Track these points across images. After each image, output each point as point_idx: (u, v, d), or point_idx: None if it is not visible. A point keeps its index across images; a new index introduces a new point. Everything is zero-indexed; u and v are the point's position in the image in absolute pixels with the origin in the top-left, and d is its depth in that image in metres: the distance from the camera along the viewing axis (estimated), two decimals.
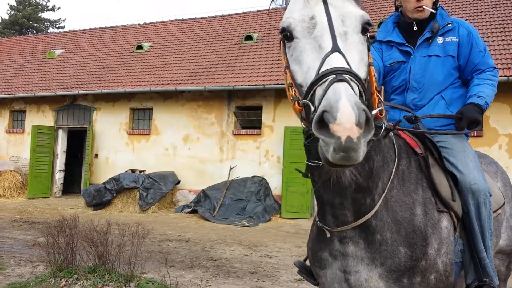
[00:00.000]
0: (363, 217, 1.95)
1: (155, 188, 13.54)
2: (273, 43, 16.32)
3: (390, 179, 2.04)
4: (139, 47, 18.87)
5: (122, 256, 5.63)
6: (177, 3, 69.42)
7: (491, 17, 14.04)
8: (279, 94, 13.69)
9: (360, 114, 1.35)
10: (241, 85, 13.70)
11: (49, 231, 5.94)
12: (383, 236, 1.97)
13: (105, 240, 5.66)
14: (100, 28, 23.46)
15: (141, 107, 15.91)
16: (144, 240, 5.90)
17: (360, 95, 1.50)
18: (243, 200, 12.79)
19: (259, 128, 14.02)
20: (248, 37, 17.01)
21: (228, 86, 13.86)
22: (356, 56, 1.63)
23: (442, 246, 2.08)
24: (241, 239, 9.68)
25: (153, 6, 70.73)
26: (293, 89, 1.67)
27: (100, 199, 13.49)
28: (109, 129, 16.17)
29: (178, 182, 14.44)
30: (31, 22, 40.50)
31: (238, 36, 17.66)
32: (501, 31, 13.05)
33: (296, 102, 1.60)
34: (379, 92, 1.81)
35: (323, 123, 1.37)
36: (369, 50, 1.81)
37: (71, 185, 17.79)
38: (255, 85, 13.51)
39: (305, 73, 1.60)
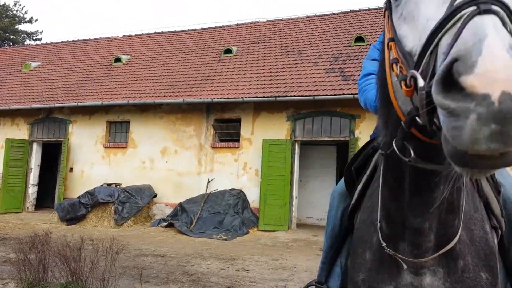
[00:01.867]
0: (450, 242, 1.54)
1: (131, 202, 13.30)
2: (252, 56, 16.38)
3: (464, 190, 1.58)
4: (118, 59, 18.73)
5: (95, 272, 5.48)
6: (156, 16, 69.49)
7: None
8: (258, 107, 13.69)
9: None
10: (220, 98, 13.65)
11: (21, 247, 5.77)
12: (465, 261, 1.60)
13: (78, 256, 5.52)
14: (78, 40, 23.28)
15: (118, 120, 15.71)
16: (119, 255, 5.76)
17: None
18: (220, 213, 12.65)
19: (238, 141, 13.96)
20: (228, 51, 17.04)
21: (207, 99, 13.80)
22: None
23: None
24: (218, 253, 9.53)
25: (133, 19, 70.69)
26: (398, 65, 1.12)
27: (74, 214, 13.17)
28: (85, 142, 15.90)
29: (155, 196, 14.23)
30: (7, 34, 39.94)
31: (218, 49, 17.68)
32: None
33: (402, 81, 1.06)
34: None
35: (452, 83, 0.81)
36: None
37: (45, 199, 17.39)
38: (234, 98, 13.48)
39: (421, 30, 1.04)
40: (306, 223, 14.43)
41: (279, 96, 12.87)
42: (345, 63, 13.99)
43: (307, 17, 19.13)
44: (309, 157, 15.02)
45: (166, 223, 12.91)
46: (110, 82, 16.88)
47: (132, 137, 15.31)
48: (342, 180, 2.27)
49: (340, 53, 14.94)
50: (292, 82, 13.60)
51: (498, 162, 0.81)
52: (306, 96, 12.52)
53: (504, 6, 0.89)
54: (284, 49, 16.41)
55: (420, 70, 0.98)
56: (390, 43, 1.20)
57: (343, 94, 11.98)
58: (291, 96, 12.74)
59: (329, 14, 18.77)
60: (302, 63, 14.91)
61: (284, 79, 13.99)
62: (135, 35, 21.96)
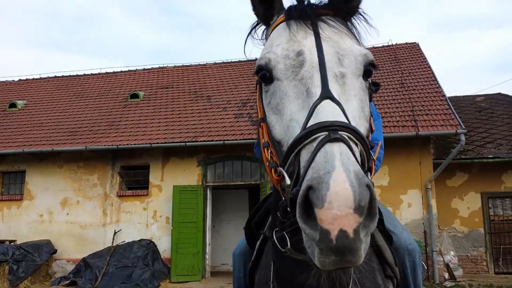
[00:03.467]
0: None
1: (27, 260, 12.09)
2: (160, 101, 16.15)
3: None
4: (12, 105, 17.42)
5: None
6: (57, 59, 66.63)
7: None
8: (167, 153, 13.39)
9: (361, 193, 0.93)
10: (127, 144, 13.15)
11: None
12: None
13: None
14: None
15: (12, 170, 14.43)
16: None
17: (362, 162, 1.10)
18: (129, 267, 11.89)
19: (147, 188, 13.44)
20: (134, 95, 16.64)
21: (112, 145, 13.21)
22: (356, 106, 1.22)
23: None
24: None
25: (32, 63, 67.09)
26: (269, 150, 1.22)
27: None
28: None
29: (55, 252, 13.09)
30: None
31: (124, 94, 17.21)
32: None
33: (273, 169, 1.18)
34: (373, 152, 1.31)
35: (309, 207, 0.95)
36: (371, 100, 1.40)
37: None
38: (142, 144, 13.06)
39: (285, 127, 1.18)
40: (220, 270, 14.06)
41: (188, 142, 12.72)
42: (253, 108, 14.30)
43: (215, 63, 19.46)
44: (221, 202, 14.86)
45: (68, 281, 11.92)
46: (4, 130, 15.58)
47: (28, 188, 14.09)
48: (242, 239, 2.25)
49: (248, 98, 15.27)
50: (202, 127, 13.56)
51: (341, 270, 1.06)
52: (216, 141, 12.52)
53: (351, 131, 1.06)
54: (193, 94, 16.42)
55: (286, 167, 1.12)
56: (262, 124, 1.31)
57: (253, 139, 12.14)
58: (201, 141, 12.66)
59: (236, 62, 19.26)
60: (211, 108, 14.99)
61: (194, 124, 13.91)
62: (33, 79, 20.65)
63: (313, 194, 0.93)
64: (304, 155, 1.04)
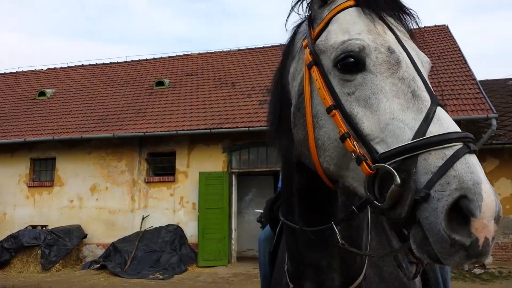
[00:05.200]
0: (355, 281, 1.58)
1: (58, 245, 12.45)
2: (185, 89, 16.23)
3: (369, 229, 1.69)
4: (42, 93, 17.81)
5: None
6: (84, 48, 67.77)
7: None
8: (193, 140, 13.48)
9: (499, 204, 1.00)
10: (153, 132, 13.31)
11: None
12: None
13: None
14: None
15: (43, 157, 14.80)
16: None
17: None
18: (157, 251, 12.11)
19: (173, 174, 13.60)
20: (160, 83, 16.78)
21: (139, 132, 13.39)
22: None
23: None
24: None
25: (59, 52, 68.39)
26: (352, 142, 1.18)
27: None
28: (6, 182, 14.78)
29: (85, 236, 13.42)
30: None
31: (149, 81, 17.37)
32: None
33: (364, 162, 1.15)
34: None
35: (457, 215, 0.99)
36: None
37: None
38: (168, 131, 13.19)
39: (383, 124, 1.15)
40: (246, 255, 14.18)
41: (214, 128, 12.77)
42: None
43: (239, 50, 19.41)
44: (246, 188, 14.93)
45: (98, 265, 12.21)
46: (34, 117, 15.96)
47: (59, 175, 14.45)
48: (267, 227, 2.30)
49: None
50: (227, 114, 13.58)
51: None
52: (241, 127, 12.53)
53: (473, 143, 1.08)
54: (217, 81, 16.45)
55: (389, 164, 1.09)
56: (334, 111, 1.24)
57: None
58: (226, 128, 12.69)
59: (260, 48, 19.16)
60: (236, 95, 14.99)
61: (219, 111, 13.94)
62: (61, 67, 21.05)
63: (470, 204, 0.96)
64: (433, 160, 1.03)
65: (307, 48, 1.37)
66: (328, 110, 1.25)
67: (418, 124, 1.09)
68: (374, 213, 1.76)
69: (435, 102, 1.14)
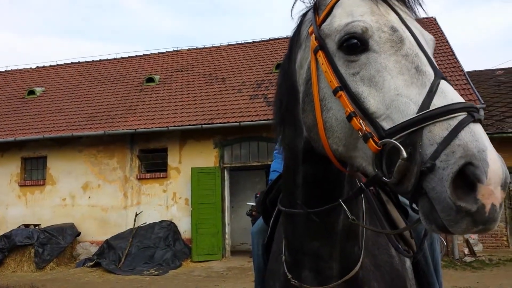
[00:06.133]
0: (352, 269, 1.62)
1: (52, 243, 12.43)
2: (176, 85, 16.22)
3: (364, 218, 1.73)
4: (31, 92, 17.69)
5: None
6: (72, 46, 67.26)
7: None
8: (184, 135, 13.50)
9: (506, 171, 1.00)
10: (144, 128, 13.31)
11: None
12: (371, 287, 1.68)
13: None
14: None
15: (34, 156, 14.74)
16: None
17: None
18: (151, 247, 12.15)
19: (165, 170, 13.62)
20: (150, 79, 16.75)
21: (130, 129, 13.38)
22: None
23: None
24: None
25: (48, 50, 67.77)
26: (359, 120, 1.20)
27: None
28: None
29: (78, 234, 13.41)
30: None
31: (139, 78, 17.33)
32: None
33: (370, 139, 1.16)
34: None
35: (463, 182, 0.99)
36: None
37: None
38: (159, 127, 13.20)
39: (389, 101, 1.17)
40: (240, 249, 14.28)
41: (205, 124, 12.81)
42: (268, 89, 14.26)
43: (229, 45, 19.40)
44: (239, 183, 14.99)
45: (92, 263, 12.22)
46: (24, 116, 15.86)
47: (50, 173, 14.40)
48: (260, 218, 2.32)
49: (263, 79, 15.24)
50: (218, 109, 13.61)
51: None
52: (232, 122, 12.58)
53: (478, 113, 1.09)
54: (207, 76, 16.45)
55: (395, 139, 1.11)
56: (339, 92, 1.26)
57: (268, 120, 12.15)
58: (217, 123, 12.73)
59: (249, 43, 19.17)
60: (226, 90, 15.01)
61: (209, 106, 13.97)
62: (50, 66, 20.89)
63: (476, 170, 0.97)
64: (438, 132, 1.05)
65: (313, 34, 1.40)
66: (335, 92, 1.27)
67: (422, 98, 1.11)
68: (368, 203, 1.82)
69: (439, 75, 1.16)
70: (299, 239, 1.63)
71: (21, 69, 21.13)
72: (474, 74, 15.94)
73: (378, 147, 1.14)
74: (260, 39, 19.13)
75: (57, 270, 12.15)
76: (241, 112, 13.12)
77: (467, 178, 0.98)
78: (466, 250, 11.55)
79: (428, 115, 1.07)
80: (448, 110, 1.06)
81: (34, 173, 14.84)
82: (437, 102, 1.09)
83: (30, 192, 14.47)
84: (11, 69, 21.40)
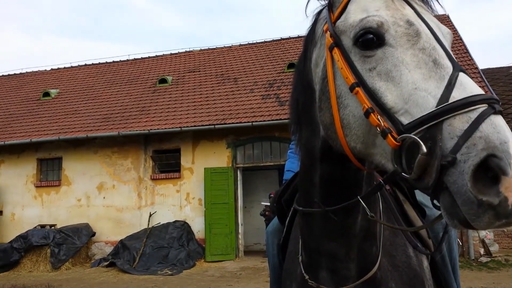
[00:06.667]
0: (370, 270, 1.60)
1: (67, 243, 12.59)
2: (188, 85, 16.30)
3: (381, 217, 1.70)
4: (46, 94, 17.94)
5: None
6: (85, 48, 67.95)
7: None
8: (197, 136, 13.57)
9: None
10: (157, 129, 13.40)
11: None
12: None
13: None
14: (3, 76, 22.03)
15: (49, 157, 14.94)
16: None
17: None
18: (165, 247, 12.23)
19: (178, 171, 13.70)
20: (163, 80, 16.86)
21: (144, 130, 13.49)
22: None
23: None
24: None
25: (60, 53, 68.51)
26: (376, 116, 1.18)
27: (6, 260, 12.30)
28: (14, 183, 14.93)
29: (94, 234, 13.56)
30: None
31: (152, 79, 17.45)
32: None
33: (389, 134, 1.14)
34: None
35: (485, 175, 0.97)
36: None
37: None
38: (172, 128, 13.28)
39: (407, 95, 1.15)
40: (253, 249, 14.30)
41: (217, 124, 12.85)
42: (280, 89, 14.27)
43: (241, 45, 19.43)
44: (252, 183, 15.02)
45: (107, 263, 12.32)
46: (39, 118, 16.09)
47: (66, 174, 14.58)
48: (275, 218, 2.30)
49: (275, 79, 15.24)
50: (230, 109, 13.65)
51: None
52: (244, 122, 12.60)
53: (499, 105, 1.06)
54: (220, 77, 16.50)
55: (415, 134, 1.09)
56: (356, 89, 1.24)
57: (280, 119, 12.16)
58: (229, 124, 12.76)
59: (261, 42, 19.18)
60: (239, 90, 15.05)
61: (222, 106, 14.01)
62: (64, 68, 21.16)
63: (501, 162, 0.94)
64: (458, 125, 1.03)
65: (328, 32, 1.39)
66: (351, 88, 1.25)
67: (441, 92, 1.09)
68: (385, 203, 1.80)
69: (457, 68, 1.14)
70: (315, 239, 1.62)
71: (36, 71, 21.43)
72: (488, 72, 15.75)
73: (397, 142, 1.12)
74: (271, 39, 19.12)
75: (72, 270, 12.29)
76: (254, 112, 13.14)
77: (490, 170, 0.95)
78: (482, 251, 11.42)
79: (447, 108, 1.04)
80: (467, 103, 1.03)
81: (49, 174, 15.03)
82: (456, 95, 1.07)
83: (46, 193, 14.67)
84: (26, 72, 21.72)
